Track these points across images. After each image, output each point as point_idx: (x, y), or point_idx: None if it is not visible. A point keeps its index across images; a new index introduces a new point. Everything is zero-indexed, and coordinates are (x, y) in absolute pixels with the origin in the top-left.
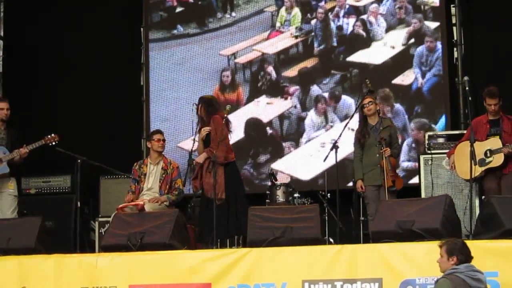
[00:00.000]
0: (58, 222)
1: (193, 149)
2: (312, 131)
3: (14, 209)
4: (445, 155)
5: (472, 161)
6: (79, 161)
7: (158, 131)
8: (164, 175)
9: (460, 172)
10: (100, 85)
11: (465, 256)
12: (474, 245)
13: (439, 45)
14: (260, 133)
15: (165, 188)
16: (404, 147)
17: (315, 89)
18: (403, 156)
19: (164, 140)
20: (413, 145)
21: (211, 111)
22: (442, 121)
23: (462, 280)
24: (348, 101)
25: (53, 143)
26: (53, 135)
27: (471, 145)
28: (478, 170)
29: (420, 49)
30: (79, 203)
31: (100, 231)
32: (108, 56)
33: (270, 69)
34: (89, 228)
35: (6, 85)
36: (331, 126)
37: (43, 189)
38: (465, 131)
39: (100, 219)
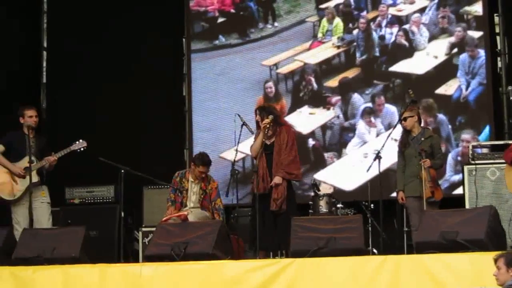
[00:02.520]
0: (102, 232)
1: (236, 159)
2: (362, 141)
3: (49, 216)
4: (489, 165)
5: None
6: (122, 171)
7: (204, 162)
8: (203, 195)
9: (510, 186)
10: (143, 95)
11: None
12: None
13: (481, 52)
14: (301, 144)
15: (207, 207)
16: (448, 158)
17: (357, 99)
18: (447, 167)
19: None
20: (458, 158)
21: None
22: (486, 131)
23: None
24: (390, 109)
25: (81, 149)
26: (80, 141)
27: None
28: None
29: (463, 57)
30: (122, 213)
31: (144, 241)
32: (151, 66)
33: (312, 79)
34: (133, 238)
35: (49, 95)
36: (378, 135)
37: (87, 199)
38: (509, 141)
39: (144, 229)
